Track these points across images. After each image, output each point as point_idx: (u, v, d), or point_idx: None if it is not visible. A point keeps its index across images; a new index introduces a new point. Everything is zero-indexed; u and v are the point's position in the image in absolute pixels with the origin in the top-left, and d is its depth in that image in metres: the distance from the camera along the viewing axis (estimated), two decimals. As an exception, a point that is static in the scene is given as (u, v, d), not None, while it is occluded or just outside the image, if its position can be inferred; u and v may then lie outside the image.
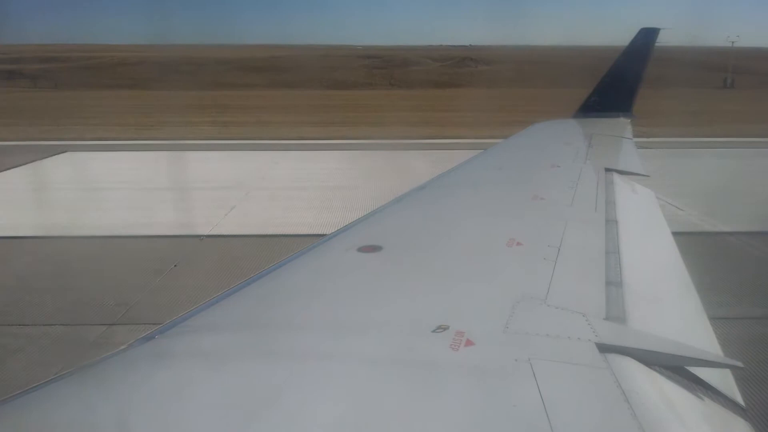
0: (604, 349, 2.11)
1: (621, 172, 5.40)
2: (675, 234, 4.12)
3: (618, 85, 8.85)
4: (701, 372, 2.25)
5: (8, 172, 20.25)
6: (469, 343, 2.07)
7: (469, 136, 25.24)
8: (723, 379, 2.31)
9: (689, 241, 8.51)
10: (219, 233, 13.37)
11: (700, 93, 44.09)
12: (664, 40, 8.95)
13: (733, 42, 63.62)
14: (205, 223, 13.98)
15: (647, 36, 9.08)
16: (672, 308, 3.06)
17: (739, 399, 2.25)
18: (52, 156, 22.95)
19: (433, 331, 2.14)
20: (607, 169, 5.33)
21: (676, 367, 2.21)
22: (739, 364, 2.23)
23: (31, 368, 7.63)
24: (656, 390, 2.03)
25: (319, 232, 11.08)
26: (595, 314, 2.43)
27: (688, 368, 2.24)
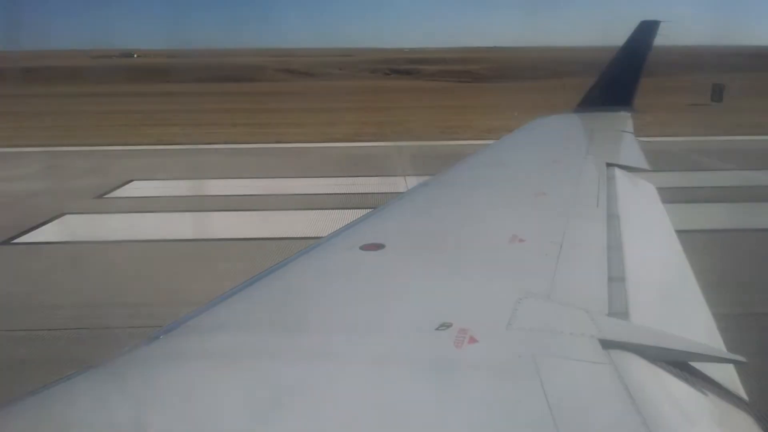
0: (607, 345, 2.12)
1: (622, 167, 5.40)
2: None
3: (618, 79, 8.83)
4: (704, 367, 2.26)
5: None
6: (472, 340, 2.08)
7: None
8: (726, 374, 2.32)
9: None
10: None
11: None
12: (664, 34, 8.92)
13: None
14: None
15: (647, 29, 9.05)
16: (675, 303, 3.07)
17: (742, 393, 2.26)
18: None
19: (437, 329, 2.15)
20: (609, 164, 5.33)
21: (679, 363, 2.22)
22: (742, 359, 2.24)
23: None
24: (659, 385, 2.04)
25: None
26: (598, 310, 2.44)
27: (691, 363, 2.25)
